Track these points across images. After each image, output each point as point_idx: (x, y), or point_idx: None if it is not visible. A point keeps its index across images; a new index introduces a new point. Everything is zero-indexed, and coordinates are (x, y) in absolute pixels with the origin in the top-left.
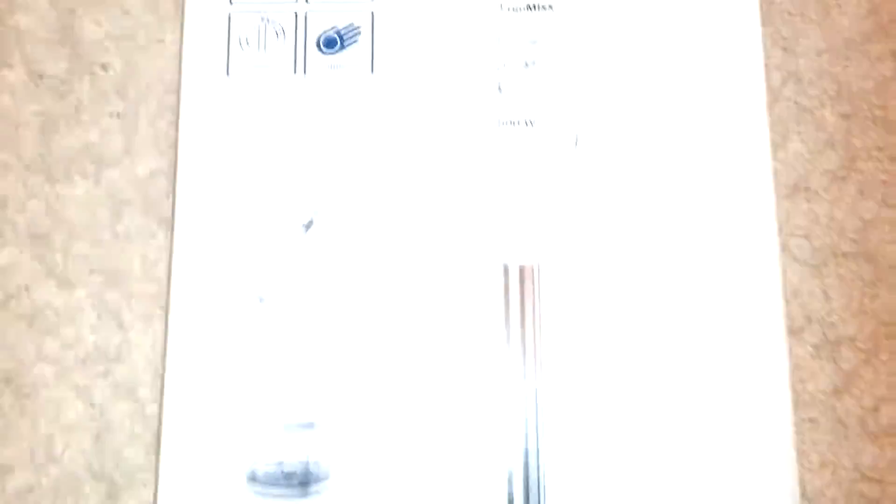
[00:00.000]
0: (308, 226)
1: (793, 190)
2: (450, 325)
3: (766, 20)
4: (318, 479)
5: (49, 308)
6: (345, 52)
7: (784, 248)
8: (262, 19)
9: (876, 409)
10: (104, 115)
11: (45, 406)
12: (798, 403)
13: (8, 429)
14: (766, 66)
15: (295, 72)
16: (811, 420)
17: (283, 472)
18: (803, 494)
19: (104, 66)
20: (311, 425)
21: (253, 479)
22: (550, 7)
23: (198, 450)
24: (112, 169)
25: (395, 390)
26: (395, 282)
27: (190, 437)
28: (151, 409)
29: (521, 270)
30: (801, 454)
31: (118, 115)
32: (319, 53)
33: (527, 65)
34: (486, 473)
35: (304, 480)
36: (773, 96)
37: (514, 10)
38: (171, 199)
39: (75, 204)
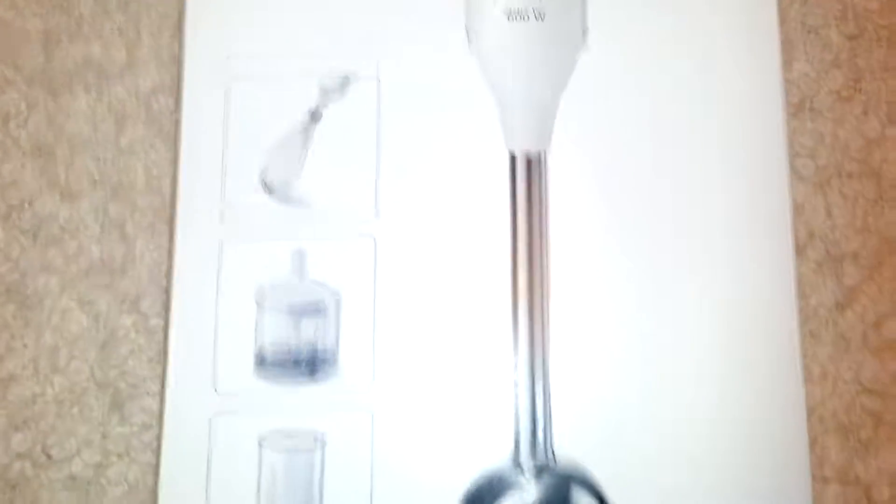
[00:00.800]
0: (315, 116)
1: (798, 109)
2: (456, 214)
3: None
4: (325, 363)
5: (52, 220)
6: None
7: (789, 166)
8: None
9: (878, 325)
10: (106, 29)
11: (50, 317)
12: (800, 317)
13: (12, 340)
14: None
15: None
16: (812, 333)
17: (290, 355)
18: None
19: None
20: (318, 310)
21: (261, 363)
22: None
23: (205, 345)
24: (114, 82)
25: (401, 278)
26: (400, 170)
27: (194, 348)
28: (155, 321)
29: (528, 159)
30: (803, 367)
31: (119, 29)
32: None
33: None
34: (493, 360)
35: (311, 363)
36: (780, 16)
37: None
38: (174, 113)
39: (78, 117)
